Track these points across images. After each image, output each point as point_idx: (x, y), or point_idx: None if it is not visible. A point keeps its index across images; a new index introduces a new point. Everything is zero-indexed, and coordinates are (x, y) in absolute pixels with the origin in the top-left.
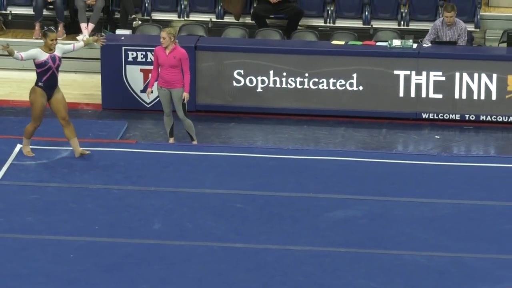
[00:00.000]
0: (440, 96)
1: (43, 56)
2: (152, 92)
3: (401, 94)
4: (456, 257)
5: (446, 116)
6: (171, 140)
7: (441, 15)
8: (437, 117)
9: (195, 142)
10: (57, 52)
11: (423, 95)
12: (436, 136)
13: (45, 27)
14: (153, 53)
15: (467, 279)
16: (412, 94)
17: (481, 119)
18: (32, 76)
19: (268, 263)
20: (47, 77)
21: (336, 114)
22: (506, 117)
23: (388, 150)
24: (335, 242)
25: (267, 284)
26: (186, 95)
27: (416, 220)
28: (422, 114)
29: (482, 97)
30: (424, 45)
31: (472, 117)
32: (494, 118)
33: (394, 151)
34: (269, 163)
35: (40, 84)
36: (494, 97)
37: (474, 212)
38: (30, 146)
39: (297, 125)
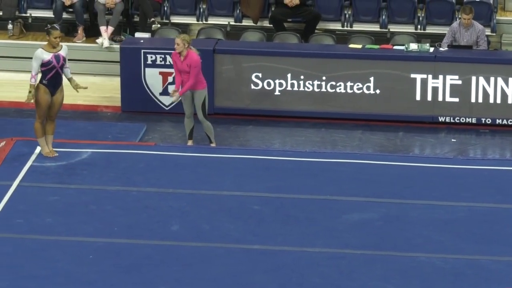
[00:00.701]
0: (456, 99)
1: (47, 56)
2: (176, 91)
3: (418, 97)
4: (471, 259)
5: (463, 120)
6: (190, 143)
7: (457, 19)
8: (453, 121)
9: (213, 145)
10: (62, 52)
11: (440, 98)
12: (452, 140)
13: (48, 25)
14: (171, 56)
15: (483, 282)
16: (429, 98)
17: (497, 122)
18: None
19: (285, 265)
20: (51, 76)
21: (353, 117)
22: None
23: (405, 153)
24: (351, 244)
25: (284, 285)
26: (176, 94)
27: (432, 223)
28: (439, 117)
29: (498, 100)
30: (441, 48)
31: (488, 121)
32: (510, 121)
33: (410, 154)
34: (287, 166)
35: (44, 81)
36: (510, 101)
37: (490, 215)
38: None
39: (314, 128)
